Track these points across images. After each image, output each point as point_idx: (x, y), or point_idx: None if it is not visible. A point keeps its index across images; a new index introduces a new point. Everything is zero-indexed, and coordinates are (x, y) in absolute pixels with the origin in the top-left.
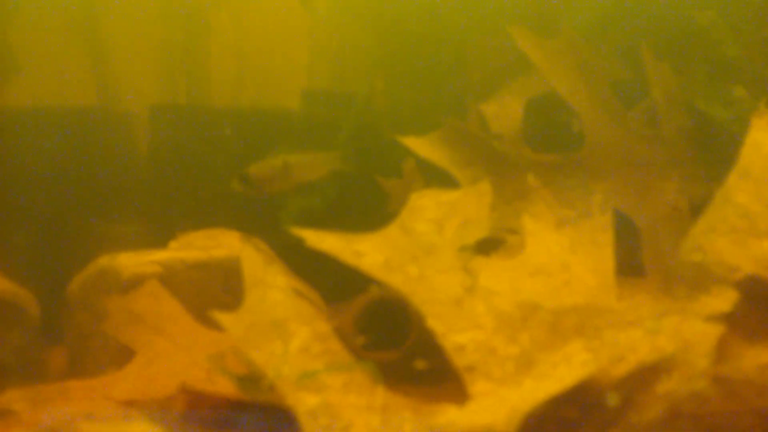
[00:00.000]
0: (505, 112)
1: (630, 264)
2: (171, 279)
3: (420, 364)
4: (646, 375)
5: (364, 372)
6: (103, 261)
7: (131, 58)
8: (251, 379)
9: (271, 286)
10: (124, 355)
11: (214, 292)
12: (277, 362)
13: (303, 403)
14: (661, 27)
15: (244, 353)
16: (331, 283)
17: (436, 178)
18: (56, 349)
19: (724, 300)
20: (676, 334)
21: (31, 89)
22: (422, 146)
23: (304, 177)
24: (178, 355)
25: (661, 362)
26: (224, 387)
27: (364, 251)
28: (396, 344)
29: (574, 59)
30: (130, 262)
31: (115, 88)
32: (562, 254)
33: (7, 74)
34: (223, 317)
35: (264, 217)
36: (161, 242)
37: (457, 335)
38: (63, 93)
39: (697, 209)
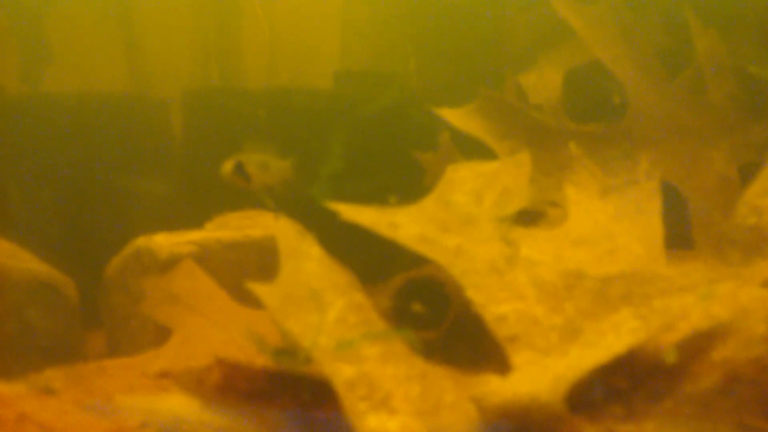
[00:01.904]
0: (544, 83)
1: (678, 236)
2: (207, 259)
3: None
4: (700, 342)
5: (402, 342)
6: (140, 242)
7: (164, 43)
8: (287, 351)
9: (306, 257)
10: (161, 336)
11: (249, 271)
12: (313, 333)
13: (340, 373)
14: None
15: (280, 324)
16: (363, 267)
17: (473, 152)
18: (94, 332)
19: None
20: (731, 300)
21: (66, 76)
22: (458, 118)
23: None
24: (214, 333)
25: (715, 329)
26: (261, 361)
27: (401, 223)
28: (434, 325)
29: (616, 25)
30: (166, 242)
31: (148, 73)
32: (606, 223)
33: (42, 62)
34: (259, 288)
35: (297, 201)
36: (196, 224)
37: (498, 306)
38: (97, 79)
39: (747, 178)
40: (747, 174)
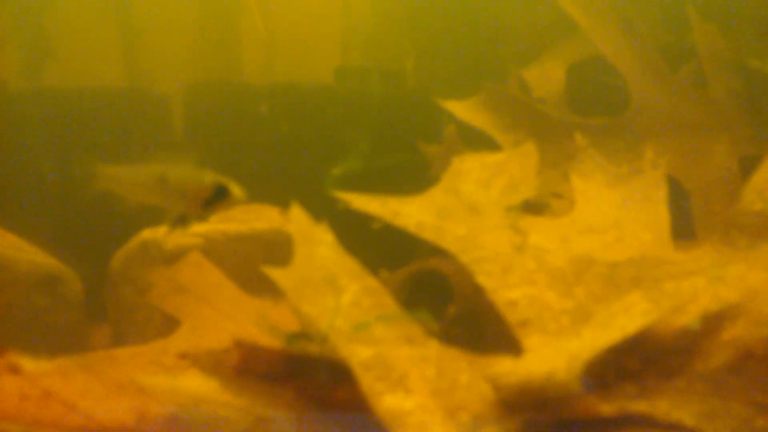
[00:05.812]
0: (547, 77)
1: (680, 228)
2: (212, 251)
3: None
4: (710, 323)
5: (417, 324)
6: (146, 234)
7: (163, 38)
8: (301, 335)
9: (320, 243)
10: (167, 327)
11: (254, 263)
12: (329, 315)
13: (356, 354)
14: None
15: (297, 307)
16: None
17: (475, 145)
18: (98, 325)
19: None
20: (740, 283)
21: (66, 72)
22: (463, 110)
23: (180, 192)
24: (223, 322)
25: (725, 311)
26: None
27: (410, 212)
28: (437, 316)
29: (618, 20)
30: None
31: (148, 69)
32: (613, 211)
33: (42, 58)
34: (275, 273)
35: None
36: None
37: (509, 291)
38: (97, 74)
39: (747, 171)
40: (747, 167)
